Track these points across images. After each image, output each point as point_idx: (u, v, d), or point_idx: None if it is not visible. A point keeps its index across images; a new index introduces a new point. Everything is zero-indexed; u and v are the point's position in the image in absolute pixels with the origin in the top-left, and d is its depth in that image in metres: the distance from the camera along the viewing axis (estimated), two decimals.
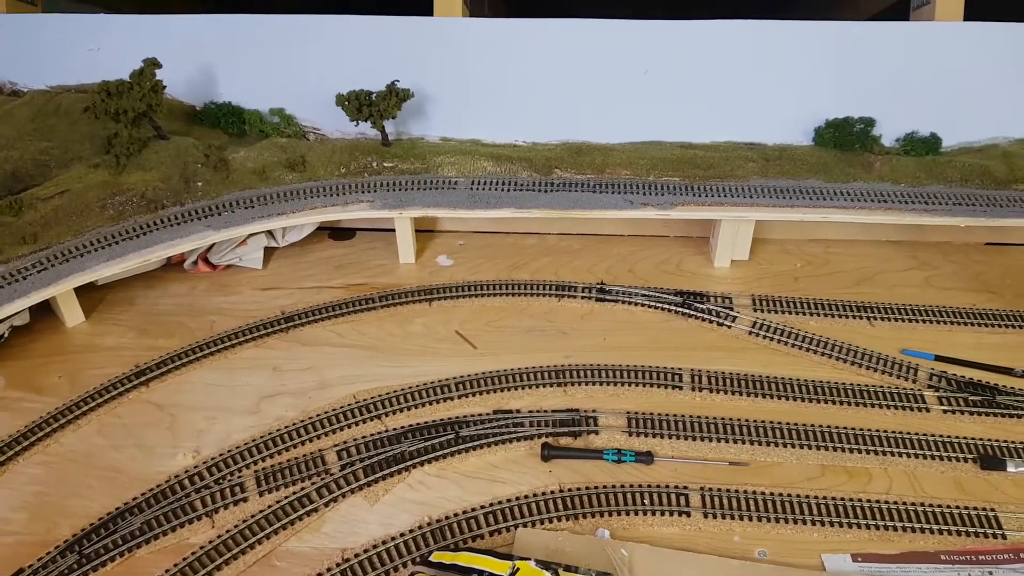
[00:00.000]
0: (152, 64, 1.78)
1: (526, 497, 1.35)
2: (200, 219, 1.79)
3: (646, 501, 1.33)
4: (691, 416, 1.50)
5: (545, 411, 1.52)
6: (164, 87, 1.82)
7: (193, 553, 1.26)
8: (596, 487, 1.36)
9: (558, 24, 1.98)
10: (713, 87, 2.01)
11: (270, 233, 1.93)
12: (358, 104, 1.87)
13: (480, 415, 1.52)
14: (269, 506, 1.34)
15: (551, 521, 1.31)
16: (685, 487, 1.36)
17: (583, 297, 1.84)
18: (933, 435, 1.46)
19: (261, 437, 1.47)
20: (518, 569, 1.11)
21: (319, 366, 1.65)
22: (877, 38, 1.96)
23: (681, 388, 1.58)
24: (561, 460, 1.43)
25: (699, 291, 1.84)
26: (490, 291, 1.86)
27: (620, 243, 2.05)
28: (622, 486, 1.36)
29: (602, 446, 1.45)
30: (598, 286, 1.86)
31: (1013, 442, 1.45)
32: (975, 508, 1.33)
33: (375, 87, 1.90)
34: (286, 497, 1.36)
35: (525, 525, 1.30)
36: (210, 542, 1.28)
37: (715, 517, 1.31)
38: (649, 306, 1.81)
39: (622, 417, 1.51)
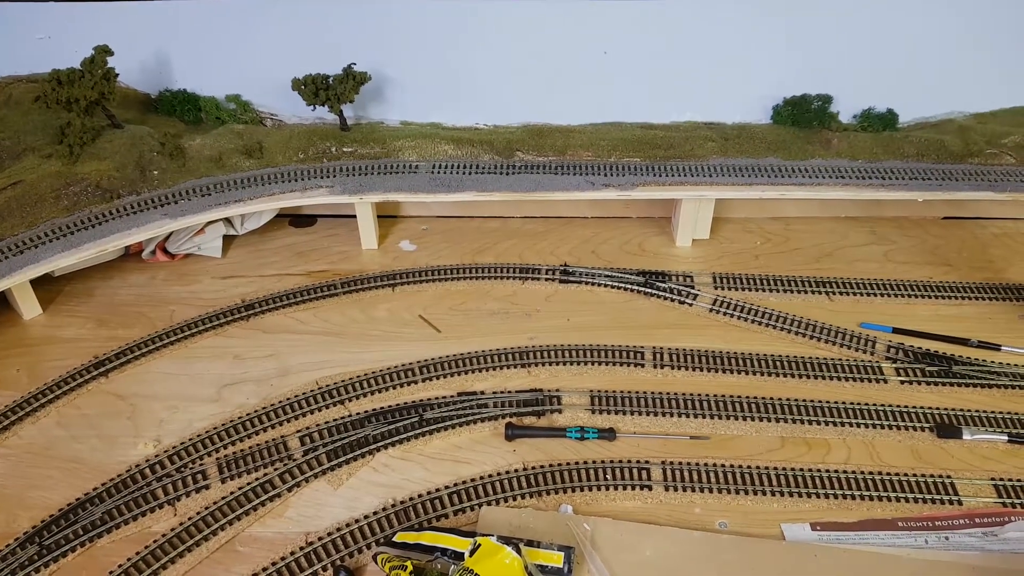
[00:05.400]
0: (103, 51, 1.75)
1: (490, 476, 1.36)
2: (157, 208, 1.77)
3: (608, 476, 1.35)
4: (653, 392, 1.52)
5: (509, 392, 1.53)
6: (117, 75, 1.80)
7: (155, 541, 1.26)
8: (559, 464, 1.37)
9: (517, 5, 1.97)
10: (672, 67, 2.01)
11: (228, 221, 1.91)
12: (315, 88, 1.85)
13: (444, 397, 1.52)
14: (232, 492, 1.34)
15: (515, 499, 1.32)
16: (647, 462, 1.37)
17: (547, 279, 1.84)
18: (891, 405, 1.49)
19: (223, 424, 1.46)
20: (479, 545, 1.11)
21: (281, 353, 1.64)
22: (833, 14, 1.97)
23: (643, 366, 1.59)
24: (525, 439, 1.44)
25: (661, 270, 1.85)
26: (454, 275, 1.86)
27: (583, 225, 2.05)
28: (585, 463, 1.37)
29: (565, 424, 1.46)
30: (562, 268, 1.87)
31: (968, 410, 1.48)
32: (931, 475, 1.36)
33: (332, 71, 1.88)
34: (248, 483, 1.35)
35: (489, 503, 1.31)
36: (172, 530, 1.28)
37: (676, 490, 1.33)
38: (612, 286, 1.82)
39: (585, 395, 1.52)
